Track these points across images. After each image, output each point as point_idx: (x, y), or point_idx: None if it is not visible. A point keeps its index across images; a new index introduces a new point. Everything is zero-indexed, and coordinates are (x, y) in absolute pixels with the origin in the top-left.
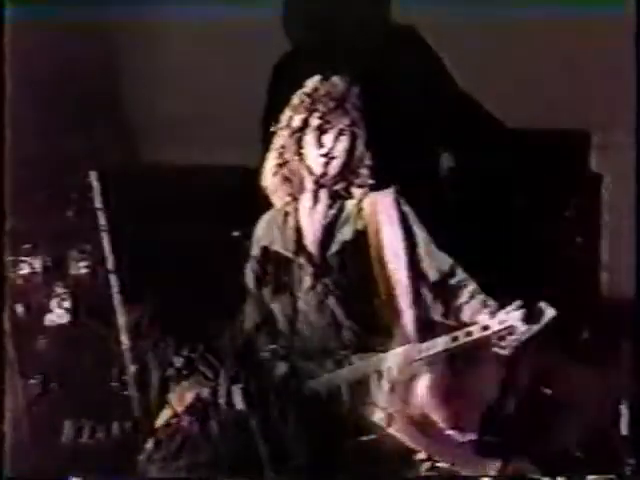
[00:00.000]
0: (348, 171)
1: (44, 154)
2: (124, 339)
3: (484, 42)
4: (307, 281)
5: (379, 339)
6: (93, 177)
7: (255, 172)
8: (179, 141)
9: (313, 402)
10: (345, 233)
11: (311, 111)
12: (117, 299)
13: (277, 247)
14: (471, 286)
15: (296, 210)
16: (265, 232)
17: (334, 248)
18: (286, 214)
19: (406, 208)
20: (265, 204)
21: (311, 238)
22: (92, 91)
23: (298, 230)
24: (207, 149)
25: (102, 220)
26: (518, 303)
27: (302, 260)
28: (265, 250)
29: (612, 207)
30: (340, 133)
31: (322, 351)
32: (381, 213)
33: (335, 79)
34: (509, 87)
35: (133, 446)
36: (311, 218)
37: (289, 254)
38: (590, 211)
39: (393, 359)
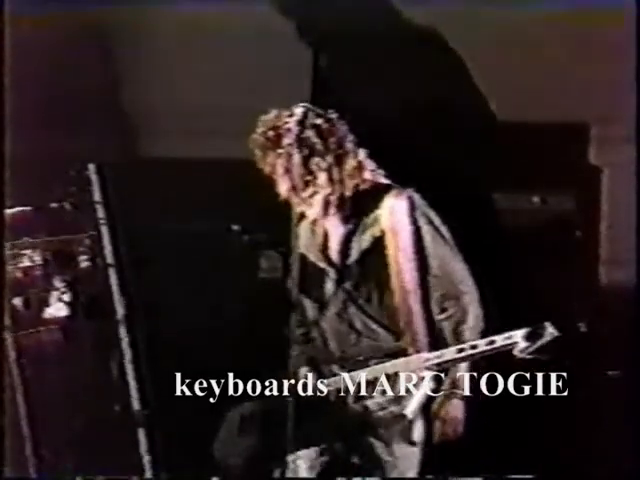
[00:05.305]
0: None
1: (43, 148)
2: (122, 332)
3: (483, 36)
4: (330, 288)
5: (395, 345)
6: (92, 170)
7: (254, 165)
8: (178, 134)
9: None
10: (364, 241)
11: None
12: (116, 292)
13: (309, 254)
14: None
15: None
16: (303, 239)
17: (353, 256)
18: (315, 222)
19: (423, 211)
20: (266, 198)
21: (334, 246)
22: (91, 85)
23: (325, 237)
24: (207, 142)
25: (101, 214)
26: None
27: (326, 267)
28: (303, 257)
29: (612, 200)
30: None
31: (341, 357)
32: (396, 217)
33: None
34: (508, 81)
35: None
36: (334, 226)
37: (316, 261)
38: (590, 204)
39: (401, 366)
